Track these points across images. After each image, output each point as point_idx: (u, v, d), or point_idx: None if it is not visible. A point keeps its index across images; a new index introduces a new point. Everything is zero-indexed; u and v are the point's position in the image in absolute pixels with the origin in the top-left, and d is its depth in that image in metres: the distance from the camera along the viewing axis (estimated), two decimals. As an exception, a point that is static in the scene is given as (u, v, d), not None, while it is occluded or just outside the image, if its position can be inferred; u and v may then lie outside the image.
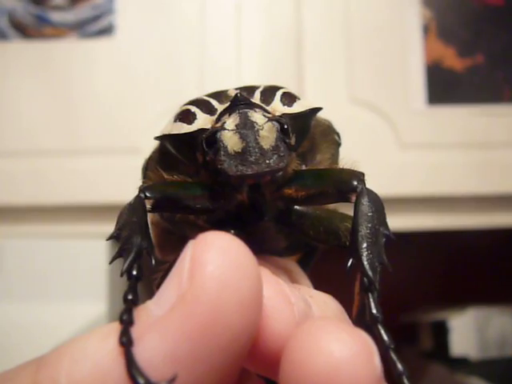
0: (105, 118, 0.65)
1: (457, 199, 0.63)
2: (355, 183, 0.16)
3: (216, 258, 0.11)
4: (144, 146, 0.61)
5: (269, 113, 0.17)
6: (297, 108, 0.18)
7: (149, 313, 0.12)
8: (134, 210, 0.15)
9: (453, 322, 0.73)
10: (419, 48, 0.66)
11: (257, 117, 0.16)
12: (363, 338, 0.12)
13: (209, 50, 0.65)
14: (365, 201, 0.15)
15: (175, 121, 0.17)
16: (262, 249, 0.18)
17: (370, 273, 0.15)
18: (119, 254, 0.14)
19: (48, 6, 0.66)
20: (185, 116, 0.17)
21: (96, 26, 0.65)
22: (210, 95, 0.18)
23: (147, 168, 0.20)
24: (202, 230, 0.13)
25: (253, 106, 0.16)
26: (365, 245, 0.15)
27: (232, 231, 0.17)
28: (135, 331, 0.11)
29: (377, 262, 0.15)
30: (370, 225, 0.15)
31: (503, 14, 0.67)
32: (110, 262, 0.14)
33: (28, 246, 0.62)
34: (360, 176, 0.16)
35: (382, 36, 0.66)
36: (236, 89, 0.18)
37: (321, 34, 0.66)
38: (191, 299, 0.11)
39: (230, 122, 0.16)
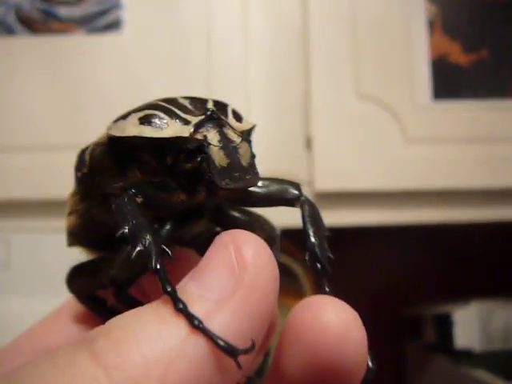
0: (112, 112, 0.65)
1: (462, 193, 0.64)
2: (298, 192, 0.19)
3: (260, 252, 0.14)
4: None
5: (234, 130, 0.18)
6: (245, 125, 0.19)
7: (202, 297, 0.13)
8: (132, 206, 0.16)
9: (457, 315, 0.74)
10: (425, 43, 0.66)
11: (232, 135, 0.17)
12: (350, 308, 0.15)
13: (216, 46, 0.65)
14: (309, 207, 0.18)
15: (141, 124, 0.18)
16: (188, 243, 0.20)
17: (323, 260, 0.17)
18: (144, 253, 0.15)
19: (55, 0, 0.66)
20: (152, 121, 0.18)
21: (103, 21, 0.66)
22: (167, 102, 0.19)
23: (95, 165, 0.20)
24: None
25: (223, 122, 0.18)
26: (316, 242, 0.18)
27: (169, 226, 0.18)
28: (199, 313, 0.13)
29: (326, 253, 0.18)
30: (315, 227, 0.18)
31: (508, 9, 0.67)
32: (134, 259, 0.15)
33: (36, 240, 0.63)
34: (299, 186, 0.19)
35: (387, 31, 0.66)
36: (184, 98, 0.19)
37: (327, 29, 0.66)
38: (249, 284, 0.13)
39: (212, 136, 0.17)
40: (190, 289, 0.14)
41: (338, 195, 0.64)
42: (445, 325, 0.76)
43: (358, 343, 0.14)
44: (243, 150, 0.17)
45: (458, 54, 0.66)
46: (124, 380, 0.11)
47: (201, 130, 0.17)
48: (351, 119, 0.64)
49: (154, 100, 0.19)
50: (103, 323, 0.18)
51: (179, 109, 0.18)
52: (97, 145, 0.20)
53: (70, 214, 0.21)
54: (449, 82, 0.66)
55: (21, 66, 0.66)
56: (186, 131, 0.17)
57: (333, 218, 0.64)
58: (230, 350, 0.13)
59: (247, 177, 0.17)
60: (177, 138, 0.17)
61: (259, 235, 0.20)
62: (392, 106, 0.64)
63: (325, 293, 0.17)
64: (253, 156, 0.18)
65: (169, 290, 0.14)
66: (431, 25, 0.66)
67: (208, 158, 0.17)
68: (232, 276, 0.13)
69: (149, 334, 0.12)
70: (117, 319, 0.13)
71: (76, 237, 0.22)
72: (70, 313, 0.21)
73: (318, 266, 0.17)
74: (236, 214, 0.20)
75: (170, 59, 0.66)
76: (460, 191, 0.64)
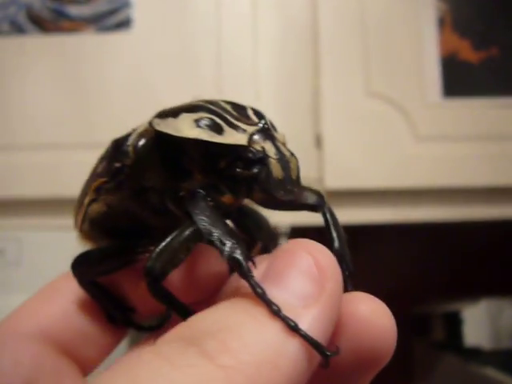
0: (121, 111, 0.65)
1: (472, 191, 0.64)
2: (322, 200, 0.20)
3: (332, 261, 0.15)
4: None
5: (282, 143, 0.19)
6: (282, 137, 0.20)
7: (287, 302, 0.14)
8: (210, 210, 0.17)
9: (466, 313, 0.74)
10: (434, 41, 0.66)
11: (283, 148, 0.18)
12: (381, 302, 0.16)
13: (225, 45, 0.66)
14: (331, 215, 0.20)
15: (198, 126, 0.18)
16: None
17: (348, 260, 0.19)
18: (234, 258, 0.16)
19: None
20: (208, 124, 0.18)
21: (113, 20, 0.66)
22: (214, 106, 0.19)
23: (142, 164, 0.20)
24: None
25: (273, 134, 0.19)
26: (341, 245, 0.19)
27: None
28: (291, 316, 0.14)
29: (349, 255, 0.19)
30: (338, 232, 0.19)
31: (519, 6, 0.67)
32: (230, 260, 0.16)
33: (47, 238, 0.63)
34: (322, 193, 0.20)
35: (397, 29, 0.66)
36: (225, 102, 0.20)
37: (336, 27, 0.66)
38: (330, 292, 0.15)
39: (269, 149, 0.18)
40: (271, 293, 0.15)
41: (347, 193, 0.64)
42: (454, 323, 0.76)
43: (391, 330, 0.16)
44: (293, 163, 0.18)
45: (467, 52, 0.66)
46: (242, 380, 0.12)
47: (257, 141, 0.18)
48: (361, 117, 0.64)
49: (196, 101, 0.20)
50: (99, 308, 0.20)
51: (230, 115, 0.19)
52: (140, 137, 0.20)
53: (93, 201, 0.21)
54: (459, 79, 0.66)
55: (31, 64, 0.66)
56: (243, 140, 0.18)
57: (343, 216, 0.63)
58: (323, 351, 0.14)
59: (296, 189, 0.18)
60: (236, 145, 0.18)
61: (266, 233, 0.22)
62: (402, 104, 0.64)
63: (349, 289, 0.18)
64: (299, 171, 0.18)
65: (261, 293, 0.14)
66: (441, 22, 0.66)
67: (267, 170, 0.18)
68: (316, 284, 0.15)
69: (252, 335, 0.13)
70: (206, 318, 0.14)
71: (94, 224, 0.22)
72: (65, 293, 0.21)
73: (344, 266, 0.18)
74: (246, 212, 0.22)
75: (180, 58, 0.66)
76: (470, 189, 0.64)
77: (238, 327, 0.13)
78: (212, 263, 0.19)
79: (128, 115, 0.65)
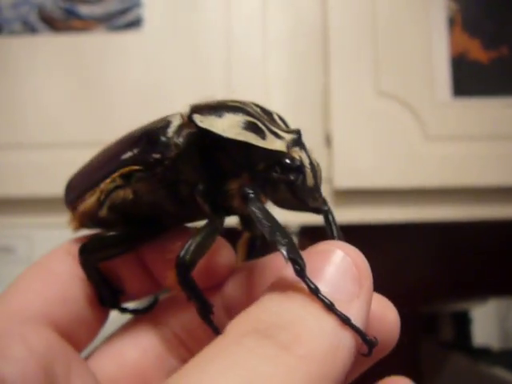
0: (132, 110, 0.66)
1: (481, 190, 0.64)
2: (326, 204, 0.21)
3: (366, 262, 0.17)
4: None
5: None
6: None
7: (334, 298, 0.16)
8: (267, 210, 0.19)
9: (475, 313, 0.74)
10: (444, 40, 0.66)
11: (313, 157, 0.20)
12: (384, 298, 0.19)
13: (235, 43, 0.66)
14: (332, 216, 0.21)
15: (244, 129, 0.19)
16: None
17: None
18: (295, 259, 0.17)
19: (76, -1, 0.67)
20: (253, 128, 0.19)
21: (124, 19, 0.66)
22: (250, 108, 0.20)
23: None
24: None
25: (304, 143, 0.20)
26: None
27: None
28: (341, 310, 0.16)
29: None
30: (338, 231, 0.21)
31: (529, 6, 0.67)
32: (291, 261, 0.17)
33: (57, 236, 0.63)
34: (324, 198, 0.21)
35: (407, 28, 0.66)
36: (254, 105, 0.21)
37: (346, 26, 0.66)
38: (367, 290, 0.16)
39: (304, 158, 0.19)
40: (322, 289, 0.16)
41: (357, 192, 0.64)
42: (462, 322, 0.76)
43: (396, 324, 0.18)
44: (319, 172, 0.20)
45: (477, 51, 0.66)
46: (317, 367, 0.14)
47: (294, 149, 0.19)
48: (371, 117, 0.64)
49: (230, 100, 0.21)
50: (92, 291, 0.21)
51: (266, 120, 0.20)
52: (180, 130, 0.20)
53: (120, 187, 0.21)
54: (468, 79, 0.66)
55: (43, 64, 0.67)
56: (283, 147, 0.19)
57: (352, 215, 0.64)
58: (370, 343, 0.16)
59: (320, 197, 0.20)
60: (276, 151, 0.19)
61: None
62: (411, 104, 0.64)
63: None
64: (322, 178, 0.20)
65: (316, 290, 0.16)
66: (451, 22, 0.66)
67: (303, 179, 0.19)
68: (356, 282, 0.16)
69: (315, 328, 0.15)
70: (270, 312, 0.16)
71: (114, 210, 0.22)
72: (63, 276, 0.21)
73: None
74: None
75: (190, 57, 0.66)
76: (480, 188, 0.64)
77: (302, 321, 0.15)
78: (223, 255, 0.21)
79: (138, 114, 0.65)
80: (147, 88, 0.66)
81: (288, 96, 0.66)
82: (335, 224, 0.21)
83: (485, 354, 0.72)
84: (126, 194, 0.21)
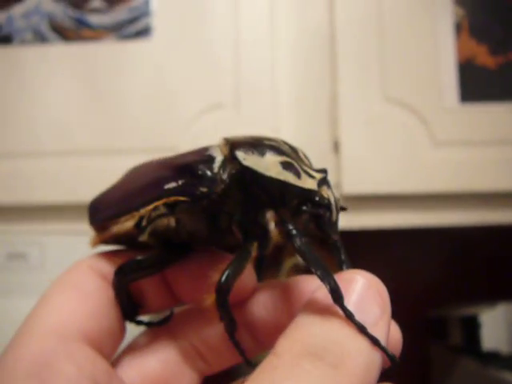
0: (142, 118, 0.66)
1: (490, 196, 0.64)
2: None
3: (385, 288, 0.19)
4: (181, 146, 0.63)
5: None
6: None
7: (364, 321, 0.18)
8: (312, 249, 0.20)
9: (484, 317, 0.74)
10: (452, 46, 0.66)
11: (336, 195, 0.22)
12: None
13: (243, 52, 0.66)
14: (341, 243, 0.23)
15: (284, 169, 0.21)
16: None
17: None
18: (336, 292, 0.19)
19: (86, 9, 0.68)
20: (291, 168, 0.21)
21: (133, 28, 0.67)
22: (284, 147, 0.22)
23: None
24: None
25: (329, 181, 0.22)
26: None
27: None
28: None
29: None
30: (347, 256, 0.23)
31: (536, 11, 0.67)
32: (333, 292, 0.19)
33: (69, 243, 0.64)
34: None
35: (414, 34, 0.66)
36: (284, 142, 0.23)
37: (354, 32, 0.66)
38: (387, 310, 0.19)
39: (330, 196, 0.21)
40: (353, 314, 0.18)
41: (365, 198, 0.64)
42: (472, 327, 0.76)
43: (399, 339, 0.21)
44: (339, 207, 0.22)
45: (485, 57, 0.66)
46: (359, 382, 0.17)
47: (323, 188, 0.22)
48: (378, 123, 0.65)
49: (266, 138, 0.22)
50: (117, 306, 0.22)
51: (298, 160, 0.22)
52: (225, 166, 0.22)
53: (163, 215, 0.22)
54: (476, 84, 0.66)
55: (53, 72, 0.67)
56: (314, 186, 0.21)
57: (360, 220, 0.64)
58: (394, 359, 0.19)
59: (338, 229, 0.22)
60: (311, 190, 0.21)
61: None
62: (419, 110, 0.64)
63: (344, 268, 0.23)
64: None
65: (351, 316, 0.18)
66: (458, 27, 0.66)
67: (330, 215, 0.21)
68: (381, 308, 0.19)
69: (354, 350, 0.17)
70: (314, 335, 0.18)
71: (156, 235, 0.23)
72: (93, 294, 0.22)
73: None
74: None
75: (199, 64, 0.67)
76: (488, 194, 0.64)
77: (342, 343, 0.17)
78: (248, 276, 0.22)
79: (148, 122, 0.66)
80: (157, 96, 0.66)
81: (296, 102, 0.66)
82: (344, 251, 0.23)
83: (494, 358, 0.72)
84: (170, 222, 0.23)
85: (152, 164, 0.26)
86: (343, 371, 0.17)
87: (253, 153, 0.21)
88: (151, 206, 0.22)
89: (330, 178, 0.22)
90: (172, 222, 0.22)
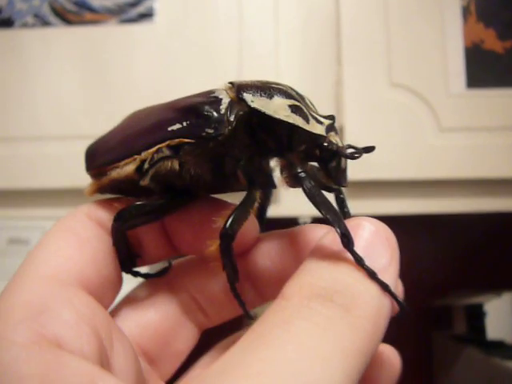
0: (145, 101, 0.65)
1: (496, 182, 0.63)
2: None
3: (392, 234, 0.19)
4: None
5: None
6: None
7: (373, 267, 0.18)
8: (320, 192, 0.20)
9: (488, 307, 0.73)
10: (459, 30, 0.65)
11: (342, 142, 0.21)
12: None
13: (247, 35, 0.65)
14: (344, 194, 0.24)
15: (292, 112, 0.21)
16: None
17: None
18: (347, 236, 0.19)
19: (88, -9, 0.67)
20: (299, 112, 0.21)
21: (136, 11, 0.66)
22: (293, 91, 0.22)
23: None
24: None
25: (336, 128, 0.22)
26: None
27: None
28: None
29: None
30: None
31: (545, -6, 0.66)
32: (343, 236, 0.18)
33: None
34: None
35: (420, 18, 0.65)
36: (291, 88, 0.22)
37: (359, 17, 0.65)
38: (395, 256, 0.19)
39: (339, 142, 0.21)
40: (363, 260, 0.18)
41: (370, 184, 0.63)
42: (476, 316, 0.76)
43: (399, 290, 0.20)
44: (347, 153, 0.21)
45: (492, 41, 0.65)
46: (371, 325, 0.17)
47: (332, 134, 0.21)
48: (384, 108, 0.64)
49: (274, 83, 0.22)
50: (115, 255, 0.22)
51: (307, 105, 0.22)
52: (230, 107, 0.21)
53: (167, 158, 0.22)
54: (483, 69, 0.65)
55: (55, 56, 0.67)
56: (323, 131, 0.21)
57: (365, 207, 0.64)
58: (403, 305, 0.18)
59: (347, 177, 0.22)
60: (319, 135, 0.21)
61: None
62: (425, 95, 0.64)
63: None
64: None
65: (361, 261, 0.18)
66: (465, 12, 0.65)
67: (339, 161, 0.21)
68: (389, 254, 0.19)
69: (364, 293, 0.17)
70: (324, 279, 0.18)
71: (156, 179, 0.22)
72: (91, 241, 0.21)
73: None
74: None
75: (202, 48, 0.66)
76: (494, 180, 0.63)
77: (353, 287, 0.17)
78: (250, 226, 0.22)
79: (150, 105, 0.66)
80: (159, 79, 0.66)
81: (300, 87, 0.65)
82: (347, 204, 0.24)
83: (498, 347, 0.72)
84: (173, 165, 0.22)
85: (153, 108, 0.25)
86: (355, 313, 0.17)
87: (261, 95, 0.21)
88: (154, 149, 0.22)
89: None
90: (175, 164, 0.22)
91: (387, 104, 0.64)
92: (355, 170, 0.63)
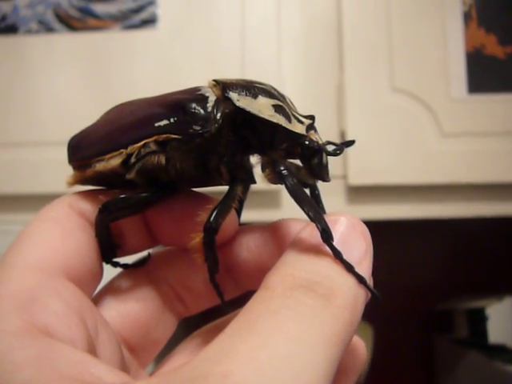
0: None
1: (498, 187, 0.63)
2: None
3: (367, 229, 0.20)
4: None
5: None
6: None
7: (350, 260, 0.19)
8: (302, 189, 0.21)
9: (490, 311, 0.74)
10: (460, 36, 0.65)
11: (322, 139, 0.22)
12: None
13: (250, 40, 0.66)
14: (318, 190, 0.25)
15: (276, 112, 0.21)
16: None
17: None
18: (327, 231, 0.19)
19: (92, -2, 0.68)
20: (282, 111, 0.22)
21: (139, 18, 0.67)
22: (276, 92, 0.23)
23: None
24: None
25: (315, 127, 0.23)
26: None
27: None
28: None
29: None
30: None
31: (546, 0, 0.66)
32: (323, 231, 0.19)
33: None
34: None
35: (422, 24, 0.65)
36: (273, 88, 0.23)
37: (361, 22, 0.66)
38: (370, 250, 0.19)
39: (319, 140, 0.22)
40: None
41: (371, 189, 0.64)
42: (478, 320, 0.76)
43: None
44: (327, 150, 0.22)
45: (494, 47, 0.65)
46: (349, 315, 0.18)
47: (311, 132, 0.22)
48: (385, 113, 0.64)
49: (257, 83, 0.23)
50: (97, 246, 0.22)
51: (288, 105, 0.22)
52: (219, 106, 0.22)
53: (153, 153, 0.22)
54: (484, 75, 0.65)
55: (59, 62, 0.67)
56: (303, 130, 0.22)
57: (366, 212, 0.64)
58: (377, 296, 0.19)
59: (329, 173, 0.23)
60: (300, 134, 0.22)
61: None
62: (427, 100, 0.64)
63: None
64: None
65: (339, 255, 0.19)
66: (466, 17, 0.66)
67: (321, 159, 0.22)
68: (364, 248, 0.19)
69: (343, 285, 0.18)
70: (305, 270, 0.18)
71: (142, 173, 0.23)
72: (75, 232, 0.21)
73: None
74: None
75: (204, 54, 0.66)
76: (496, 185, 0.63)
77: (332, 278, 0.18)
78: (230, 219, 0.22)
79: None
80: (162, 85, 0.66)
81: (303, 92, 0.66)
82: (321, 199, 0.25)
83: (500, 351, 0.72)
84: (160, 159, 0.22)
85: (139, 102, 0.25)
86: (335, 303, 0.17)
87: (246, 94, 0.22)
88: (141, 143, 0.22)
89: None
90: (162, 159, 0.22)
91: (389, 109, 0.64)
92: (357, 174, 0.63)
